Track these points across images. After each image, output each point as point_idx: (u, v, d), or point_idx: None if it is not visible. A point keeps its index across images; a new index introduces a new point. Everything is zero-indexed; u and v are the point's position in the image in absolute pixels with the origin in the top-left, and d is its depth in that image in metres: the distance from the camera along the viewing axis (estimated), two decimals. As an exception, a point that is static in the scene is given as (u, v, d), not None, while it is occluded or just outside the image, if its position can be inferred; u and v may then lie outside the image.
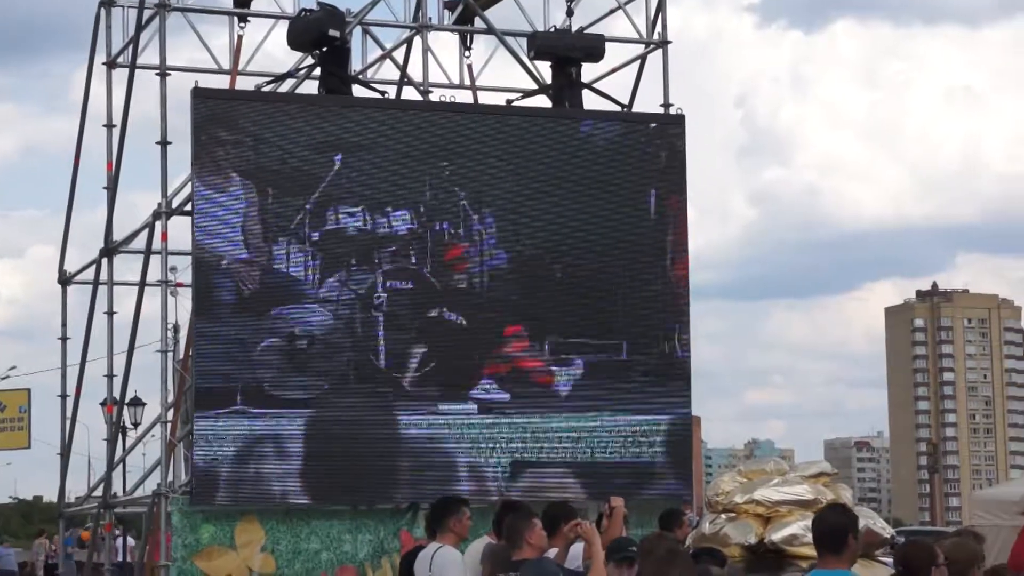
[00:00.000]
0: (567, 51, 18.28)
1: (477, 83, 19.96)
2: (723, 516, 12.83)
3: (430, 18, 18.37)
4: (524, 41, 18.60)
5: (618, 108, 18.50)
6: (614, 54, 18.96)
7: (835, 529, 7.66)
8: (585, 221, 17.24)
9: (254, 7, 18.77)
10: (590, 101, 18.41)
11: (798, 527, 12.00)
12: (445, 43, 20.32)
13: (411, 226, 16.68)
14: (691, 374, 17.54)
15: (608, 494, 14.86)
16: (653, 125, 17.73)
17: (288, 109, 16.66)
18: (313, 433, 16.14)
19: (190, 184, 16.46)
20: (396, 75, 19.07)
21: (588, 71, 18.64)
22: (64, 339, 19.78)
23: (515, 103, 19.11)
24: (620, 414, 17.06)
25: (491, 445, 16.62)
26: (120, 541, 29.65)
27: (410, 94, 18.49)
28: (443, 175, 16.84)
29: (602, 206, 17.31)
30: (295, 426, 16.08)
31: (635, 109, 18.64)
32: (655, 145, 17.59)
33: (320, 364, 16.27)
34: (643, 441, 17.08)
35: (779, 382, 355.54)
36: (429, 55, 18.42)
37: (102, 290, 18.78)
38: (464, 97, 19.24)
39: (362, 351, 16.40)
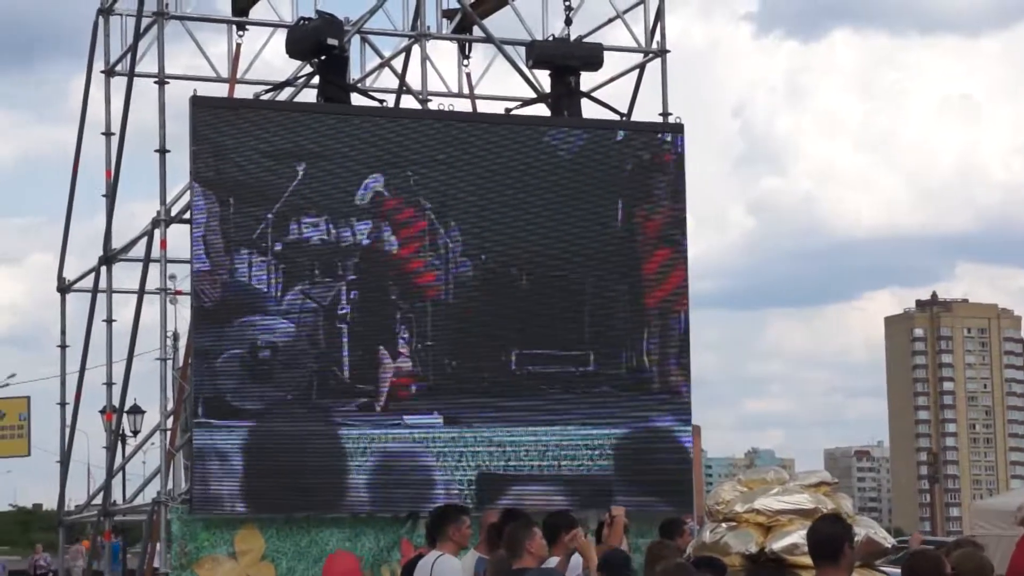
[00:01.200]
0: (565, 60, 18.26)
1: (476, 92, 19.97)
2: (723, 525, 12.80)
3: (428, 27, 18.35)
4: (523, 50, 18.60)
5: (616, 117, 18.48)
6: (613, 63, 18.98)
7: (830, 539, 7.64)
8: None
9: (252, 15, 18.80)
10: (589, 110, 18.40)
11: (799, 536, 11.94)
12: (444, 52, 20.35)
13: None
14: (691, 384, 17.48)
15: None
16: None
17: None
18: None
19: (188, 192, 16.43)
20: (395, 84, 19.08)
21: (587, 80, 18.63)
22: (63, 347, 19.78)
23: (513, 112, 19.10)
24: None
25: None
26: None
27: (409, 103, 18.49)
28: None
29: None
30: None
31: (633, 118, 18.62)
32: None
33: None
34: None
35: (778, 391, 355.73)
36: (427, 64, 18.41)
37: (101, 298, 18.77)
38: (463, 106, 19.25)
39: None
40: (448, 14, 19.19)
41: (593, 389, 17.05)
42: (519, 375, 16.87)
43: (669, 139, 17.72)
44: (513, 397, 16.79)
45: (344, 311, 16.39)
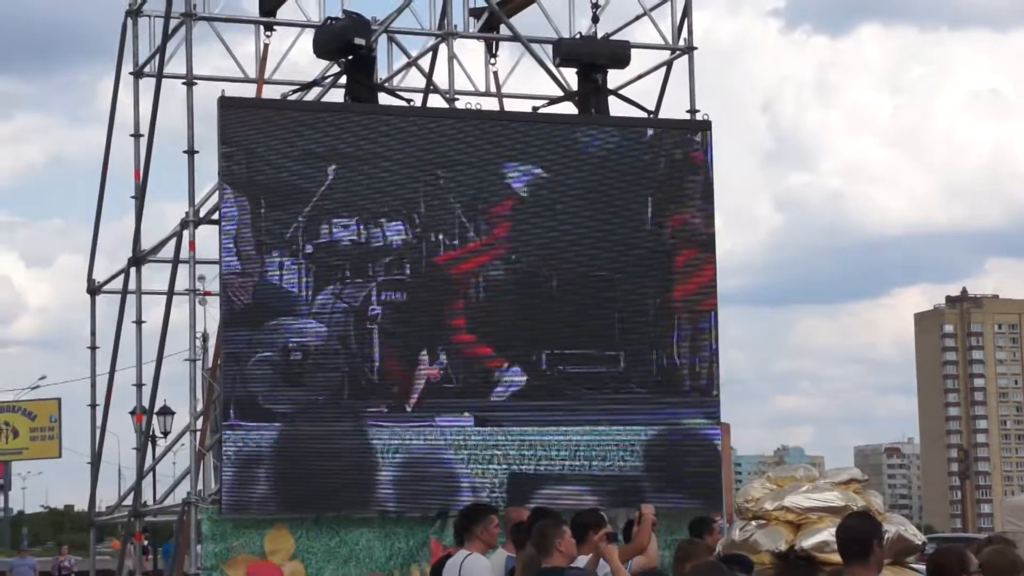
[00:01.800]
0: (593, 57, 18.23)
1: (503, 90, 19.96)
2: (753, 523, 12.77)
3: (456, 25, 18.37)
4: (550, 48, 18.58)
5: (644, 114, 18.45)
6: (640, 60, 18.94)
7: (859, 537, 7.60)
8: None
9: (280, 16, 18.83)
10: (616, 107, 18.37)
11: (829, 534, 11.92)
12: (471, 50, 20.35)
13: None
14: (719, 382, 17.45)
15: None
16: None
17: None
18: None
19: (217, 193, 16.47)
20: (422, 83, 19.09)
21: (614, 77, 18.61)
22: (93, 348, 19.85)
23: (541, 110, 19.09)
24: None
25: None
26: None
27: (436, 102, 18.49)
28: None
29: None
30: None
31: (661, 115, 18.59)
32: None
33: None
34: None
35: (808, 388, 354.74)
36: (455, 63, 18.42)
37: (131, 299, 18.84)
38: (490, 104, 19.24)
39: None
40: (475, 13, 19.20)
41: (623, 388, 17.03)
42: (550, 375, 16.86)
43: (699, 137, 17.69)
44: (544, 397, 16.79)
45: (375, 312, 16.40)
